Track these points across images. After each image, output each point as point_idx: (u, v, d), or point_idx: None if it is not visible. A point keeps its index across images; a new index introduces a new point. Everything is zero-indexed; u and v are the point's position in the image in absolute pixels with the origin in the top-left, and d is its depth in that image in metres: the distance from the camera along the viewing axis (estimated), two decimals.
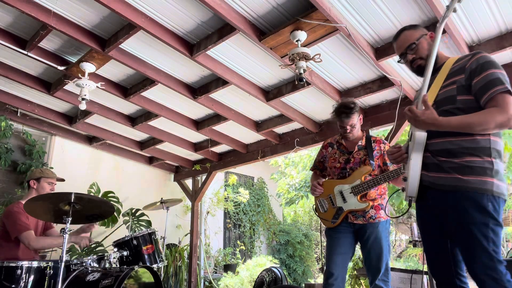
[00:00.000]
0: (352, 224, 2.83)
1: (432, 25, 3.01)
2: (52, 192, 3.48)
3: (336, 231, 2.85)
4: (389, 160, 2.05)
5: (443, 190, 1.79)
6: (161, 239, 4.47)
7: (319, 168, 3.14)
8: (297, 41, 2.99)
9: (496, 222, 1.70)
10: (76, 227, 3.61)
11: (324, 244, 10.40)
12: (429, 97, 1.87)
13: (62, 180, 3.68)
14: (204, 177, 6.60)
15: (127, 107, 4.83)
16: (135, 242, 3.45)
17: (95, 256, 3.17)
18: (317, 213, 2.96)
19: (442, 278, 1.89)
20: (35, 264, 2.78)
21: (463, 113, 1.77)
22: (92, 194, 5.41)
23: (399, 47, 2.07)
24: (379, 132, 6.17)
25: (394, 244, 11.46)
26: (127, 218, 5.65)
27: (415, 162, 1.82)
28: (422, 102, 1.76)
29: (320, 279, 7.97)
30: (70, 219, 2.78)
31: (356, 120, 2.90)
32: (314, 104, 4.49)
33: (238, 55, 3.58)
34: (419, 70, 2.03)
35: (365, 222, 2.80)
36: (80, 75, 3.68)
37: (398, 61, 2.11)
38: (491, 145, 1.76)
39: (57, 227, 3.66)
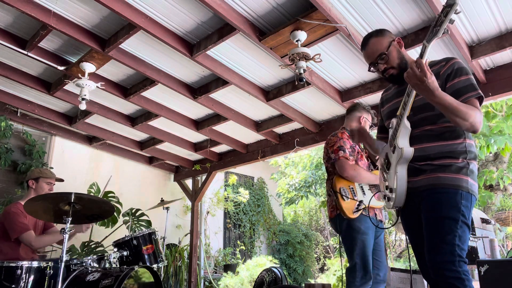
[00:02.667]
0: (379, 222, 2.89)
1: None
2: (52, 192, 3.49)
3: (367, 227, 2.76)
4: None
5: (421, 191, 1.85)
6: (161, 239, 4.46)
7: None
8: (297, 41, 2.99)
9: (465, 220, 1.76)
10: (76, 227, 3.61)
11: (326, 243, 10.43)
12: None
13: (61, 180, 3.68)
14: (204, 177, 6.60)
15: (127, 107, 4.83)
16: (135, 242, 3.45)
17: (95, 256, 3.17)
18: (339, 200, 2.79)
19: None
20: (35, 264, 2.78)
21: (440, 118, 1.84)
22: (92, 194, 5.41)
23: (369, 56, 2.03)
24: None
25: (394, 244, 11.46)
26: (127, 218, 5.65)
27: (401, 174, 1.87)
28: (427, 68, 1.63)
29: (320, 279, 7.97)
30: (70, 219, 2.78)
31: None
32: (314, 104, 4.49)
33: (238, 55, 3.58)
34: (391, 79, 2.03)
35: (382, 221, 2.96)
36: (80, 75, 3.68)
37: (369, 70, 2.07)
38: (467, 148, 1.85)
39: (57, 227, 3.67)
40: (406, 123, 1.86)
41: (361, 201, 2.78)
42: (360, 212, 2.75)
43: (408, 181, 1.87)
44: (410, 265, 2.98)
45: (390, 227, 2.91)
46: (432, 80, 1.65)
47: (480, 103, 1.82)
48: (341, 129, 3.05)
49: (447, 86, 1.85)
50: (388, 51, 1.96)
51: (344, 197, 2.77)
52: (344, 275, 5.73)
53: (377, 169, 3.05)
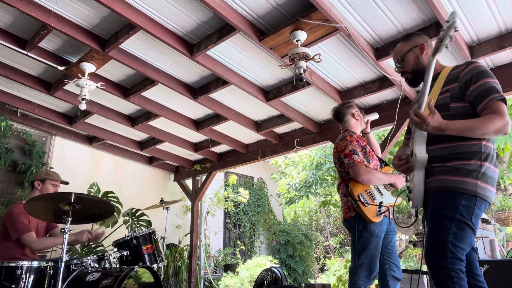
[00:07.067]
0: (390, 220, 2.92)
1: (431, 25, 3.01)
2: (52, 192, 3.48)
3: (381, 230, 2.79)
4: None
5: (429, 192, 1.92)
6: (161, 239, 4.46)
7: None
8: (297, 41, 2.99)
9: (463, 220, 1.78)
10: (76, 227, 3.61)
11: (326, 243, 10.42)
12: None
13: (66, 183, 3.67)
14: (204, 177, 6.60)
15: (127, 107, 4.83)
16: (135, 242, 3.45)
17: (95, 256, 3.17)
18: (361, 207, 2.77)
19: None
20: (35, 264, 2.78)
21: (455, 119, 1.86)
22: (92, 194, 5.41)
23: (393, 59, 2.21)
24: (379, 132, 6.17)
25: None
26: (127, 218, 5.65)
27: (419, 178, 1.94)
28: (429, 107, 1.82)
29: (320, 279, 7.97)
30: (70, 219, 2.78)
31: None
32: (314, 104, 4.49)
33: (238, 55, 3.58)
34: (408, 83, 2.17)
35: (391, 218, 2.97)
36: (80, 75, 3.68)
37: (395, 70, 2.23)
38: (481, 149, 1.85)
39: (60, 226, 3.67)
40: None
41: (380, 203, 2.81)
42: (383, 214, 2.78)
43: (425, 183, 1.94)
44: (420, 266, 2.99)
45: (408, 226, 2.91)
46: (435, 120, 1.79)
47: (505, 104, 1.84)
48: (345, 131, 3.02)
49: (467, 92, 1.87)
50: (404, 57, 2.11)
51: (365, 204, 2.77)
52: (343, 274, 5.72)
53: (386, 165, 3.09)
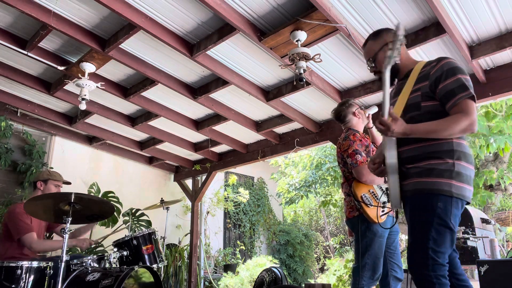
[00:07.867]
0: (394, 220, 2.87)
1: (432, 25, 3.01)
2: (52, 192, 3.48)
3: (385, 230, 2.77)
4: (373, 173, 2.17)
5: (406, 196, 1.91)
6: (161, 239, 4.46)
7: None
8: (297, 41, 2.99)
9: (441, 222, 1.76)
10: (76, 227, 3.60)
11: (326, 244, 10.43)
12: (400, 103, 1.97)
13: (69, 183, 3.67)
14: (204, 177, 6.60)
15: (127, 107, 4.83)
16: (135, 242, 3.45)
17: (95, 256, 3.16)
18: (364, 208, 2.76)
19: None
20: (35, 264, 2.78)
21: (429, 119, 1.84)
22: (92, 194, 5.41)
23: (364, 58, 2.17)
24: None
25: None
26: (127, 218, 5.65)
27: (393, 181, 1.94)
28: (390, 115, 1.81)
29: (320, 279, 7.98)
30: (70, 219, 2.78)
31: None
32: (314, 104, 4.49)
33: (238, 55, 3.58)
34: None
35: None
36: (80, 75, 3.68)
37: (368, 70, 2.18)
38: (454, 147, 1.83)
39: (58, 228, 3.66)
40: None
41: (384, 203, 2.77)
42: (386, 214, 2.75)
43: (401, 185, 1.93)
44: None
45: (388, 228, 2.85)
46: (398, 126, 1.79)
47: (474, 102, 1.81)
48: (348, 130, 3.00)
49: (437, 90, 1.85)
50: (375, 56, 2.07)
51: (368, 205, 2.75)
52: (343, 274, 5.72)
53: None
